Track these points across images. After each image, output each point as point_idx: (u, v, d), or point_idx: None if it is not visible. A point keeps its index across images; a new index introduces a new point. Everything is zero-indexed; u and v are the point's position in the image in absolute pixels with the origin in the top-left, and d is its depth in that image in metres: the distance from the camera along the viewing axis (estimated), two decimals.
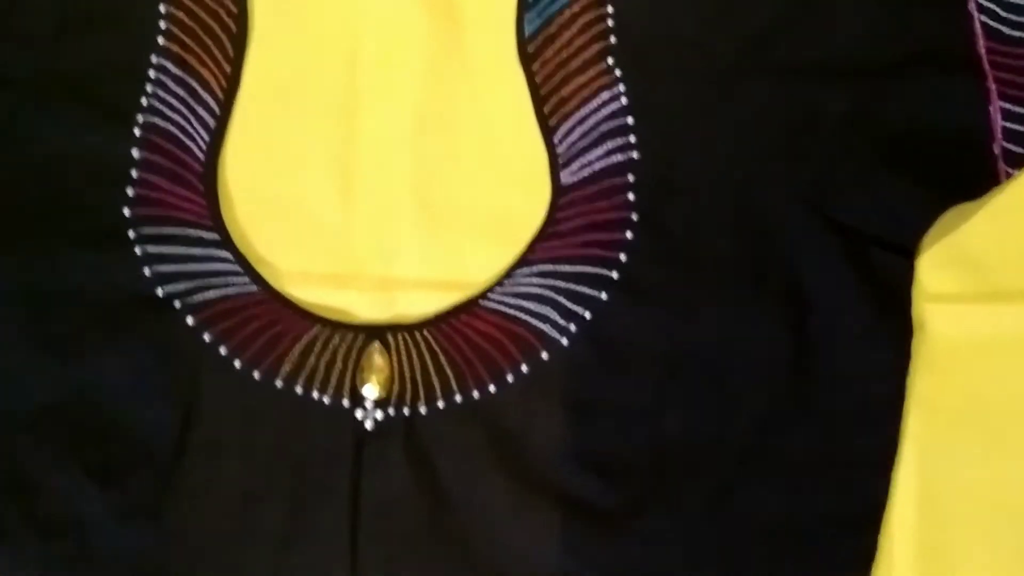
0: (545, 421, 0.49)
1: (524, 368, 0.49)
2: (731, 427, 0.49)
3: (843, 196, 0.51)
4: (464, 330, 0.50)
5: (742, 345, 0.50)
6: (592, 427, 0.49)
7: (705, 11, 0.53)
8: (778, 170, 0.51)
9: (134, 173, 0.51)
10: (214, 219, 0.51)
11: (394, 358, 0.50)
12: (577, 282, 0.50)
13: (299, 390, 0.49)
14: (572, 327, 0.50)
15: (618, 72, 0.53)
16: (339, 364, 0.50)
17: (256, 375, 0.49)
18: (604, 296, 0.50)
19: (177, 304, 0.50)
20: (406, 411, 0.49)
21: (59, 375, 0.49)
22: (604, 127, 0.52)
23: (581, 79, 0.53)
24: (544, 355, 0.50)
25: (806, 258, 0.50)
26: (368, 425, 0.49)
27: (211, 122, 0.53)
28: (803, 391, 0.49)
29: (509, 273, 0.51)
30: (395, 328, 0.51)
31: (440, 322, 0.51)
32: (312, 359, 0.50)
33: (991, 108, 0.51)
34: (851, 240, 0.50)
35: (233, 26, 0.54)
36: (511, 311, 0.50)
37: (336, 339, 0.50)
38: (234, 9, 0.54)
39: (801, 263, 0.50)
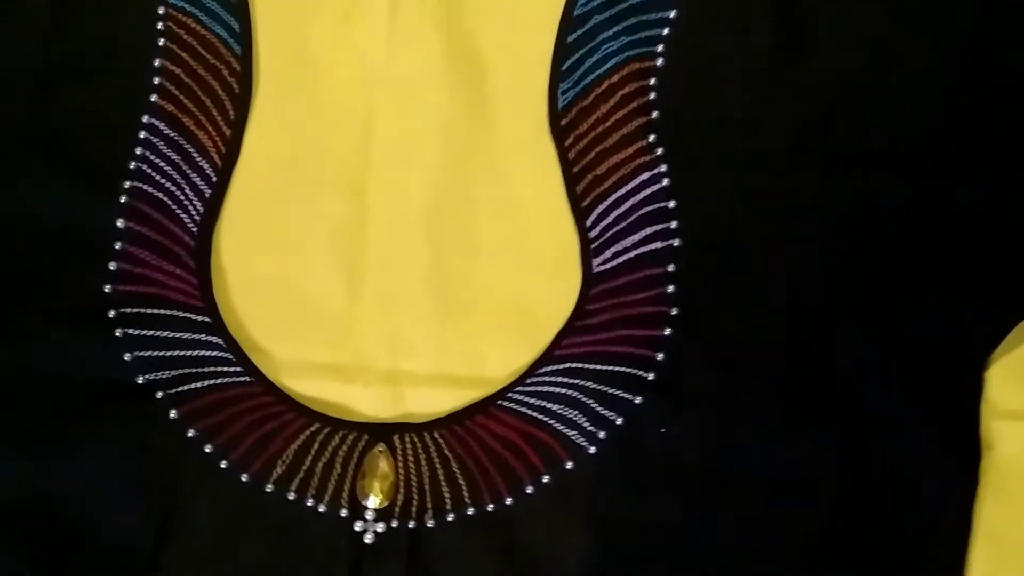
0: (567, 539, 0.49)
1: (546, 478, 0.49)
2: (774, 558, 0.48)
3: (904, 299, 0.50)
4: (479, 433, 0.50)
5: (789, 465, 0.49)
6: (619, 547, 0.49)
7: (756, 90, 0.53)
8: (832, 267, 0.51)
9: (117, 245, 0.51)
10: (204, 300, 0.51)
11: (400, 463, 0.49)
12: (608, 383, 0.50)
13: (292, 496, 0.48)
14: (601, 434, 0.49)
15: (660, 151, 0.53)
16: (338, 468, 0.49)
17: (244, 478, 0.49)
18: (638, 400, 0.50)
19: (159, 394, 0.49)
20: (411, 524, 0.48)
21: (20, 471, 0.48)
22: (643, 210, 0.52)
23: (619, 157, 0.53)
24: (569, 464, 0.49)
25: (862, 368, 0.50)
26: (368, 539, 0.48)
27: (206, 191, 0.53)
28: (857, 519, 0.49)
29: (532, 370, 0.51)
30: (402, 428, 0.50)
31: (453, 423, 0.50)
32: (308, 461, 0.49)
33: None
34: (912, 349, 0.50)
35: (235, 86, 0.55)
36: (533, 413, 0.50)
37: (336, 439, 0.50)
38: (237, 67, 0.55)
39: (856, 374, 0.50)
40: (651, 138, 0.53)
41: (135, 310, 0.50)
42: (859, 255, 0.51)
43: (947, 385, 0.50)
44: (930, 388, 0.50)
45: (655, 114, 0.53)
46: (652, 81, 0.54)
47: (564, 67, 0.55)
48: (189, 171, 0.53)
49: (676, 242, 0.52)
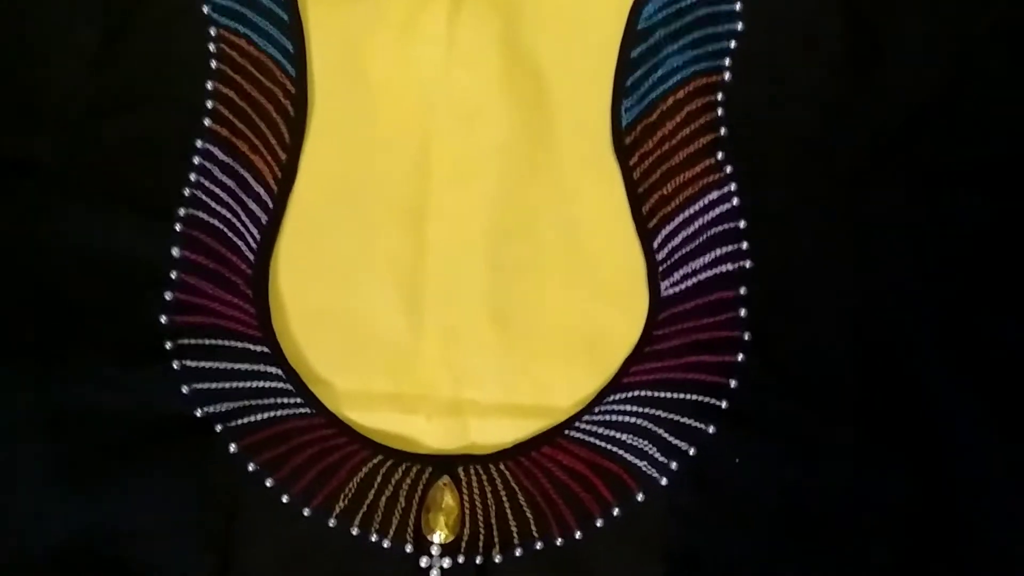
0: (638, 574, 0.48)
1: (616, 511, 0.49)
2: None
3: (987, 323, 0.50)
4: (546, 464, 0.50)
5: (868, 498, 0.49)
6: None
7: (831, 104, 0.53)
8: (912, 288, 0.50)
9: (173, 274, 0.51)
10: (263, 330, 0.51)
11: (465, 496, 0.49)
12: (679, 412, 0.50)
13: (355, 531, 0.48)
14: (673, 464, 0.49)
15: (729, 168, 0.52)
16: (402, 502, 0.49)
17: (306, 512, 0.48)
18: (711, 429, 0.49)
19: (218, 427, 0.49)
20: (478, 559, 0.48)
21: (78, 510, 0.48)
22: (712, 231, 0.52)
23: (686, 176, 0.53)
24: (640, 496, 0.49)
25: (944, 393, 0.49)
26: (434, 575, 0.48)
27: (263, 218, 0.53)
28: (940, 549, 0.48)
29: (599, 399, 0.51)
30: (467, 460, 0.50)
31: (519, 454, 0.50)
32: (371, 495, 0.49)
33: None
34: (996, 373, 0.49)
35: (291, 109, 0.55)
36: (601, 443, 0.50)
37: (399, 472, 0.49)
38: (292, 89, 0.55)
39: (938, 398, 0.49)
40: (719, 156, 0.53)
41: (192, 341, 0.50)
42: (939, 276, 0.51)
43: None
44: (1016, 417, 0.49)
45: (723, 131, 0.53)
46: (719, 96, 0.54)
47: (627, 83, 0.55)
48: (245, 197, 0.53)
49: (747, 264, 0.51)
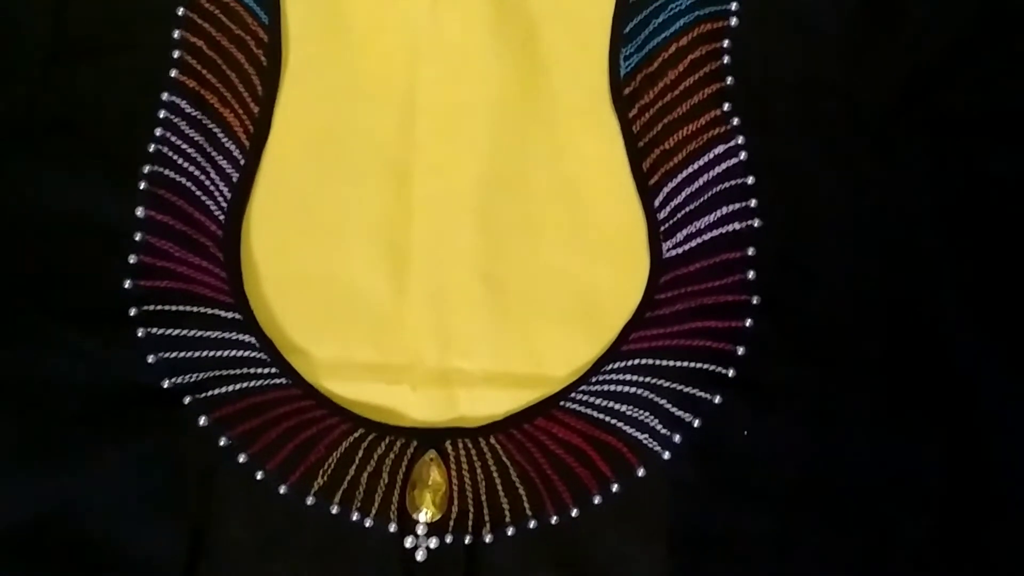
0: (640, 554, 0.48)
1: (615, 487, 0.48)
2: (880, 569, 0.47)
3: (1020, 280, 0.49)
4: (540, 437, 0.49)
5: (892, 468, 0.48)
6: (698, 564, 0.48)
7: (846, 49, 0.52)
8: (937, 245, 0.50)
9: (137, 236, 0.51)
10: (235, 295, 0.51)
11: (453, 471, 0.49)
12: (683, 381, 0.49)
13: (335, 510, 0.48)
14: (676, 437, 0.48)
15: (735, 120, 0.52)
16: (385, 478, 0.48)
17: (282, 490, 0.48)
18: (717, 399, 0.49)
19: (187, 399, 0.49)
20: (467, 538, 0.48)
21: (39, 486, 0.48)
22: (718, 187, 0.51)
23: (689, 128, 0.52)
24: (640, 471, 0.48)
25: (974, 358, 0.49)
26: (419, 556, 0.48)
27: (233, 175, 0.52)
28: (971, 523, 0.48)
29: (597, 368, 0.50)
30: (455, 434, 0.50)
31: (511, 427, 0.50)
32: (352, 471, 0.48)
33: None
34: None
35: (263, 58, 0.54)
36: (599, 415, 0.49)
37: (382, 446, 0.49)
38: (264, 37, 0.54)
39: (967, 364, 0.49)
40: (725, 107, 0.52)
41: (158, 307, 0.50)
42: (968, 231, 0.50)
43: None
44: None
45: (729, 80, 0.53)
46: (725, 43, 0.53)
47: (626, 30, 0.54)
48: (214, 153, 0.52)
49: (756, 222, 0.51)
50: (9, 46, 0.53)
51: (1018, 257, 0.50)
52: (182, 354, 0.50)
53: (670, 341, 0.50)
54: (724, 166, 0.51)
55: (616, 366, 0.50)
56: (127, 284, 0.50)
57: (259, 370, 0.50)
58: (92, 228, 0.51)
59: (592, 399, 0.50)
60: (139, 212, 0.51)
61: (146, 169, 0.51)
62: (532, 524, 0.48)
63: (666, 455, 0.48)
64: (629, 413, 0.49)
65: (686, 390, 0.49)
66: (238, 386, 0.49)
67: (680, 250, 0.51)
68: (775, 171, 0.51)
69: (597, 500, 0.48)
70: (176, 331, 0.50)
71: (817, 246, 0.50)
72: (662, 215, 0.52)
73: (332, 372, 0.51)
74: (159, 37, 0.53)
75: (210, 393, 0.49)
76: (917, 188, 0.51)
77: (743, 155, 0.51)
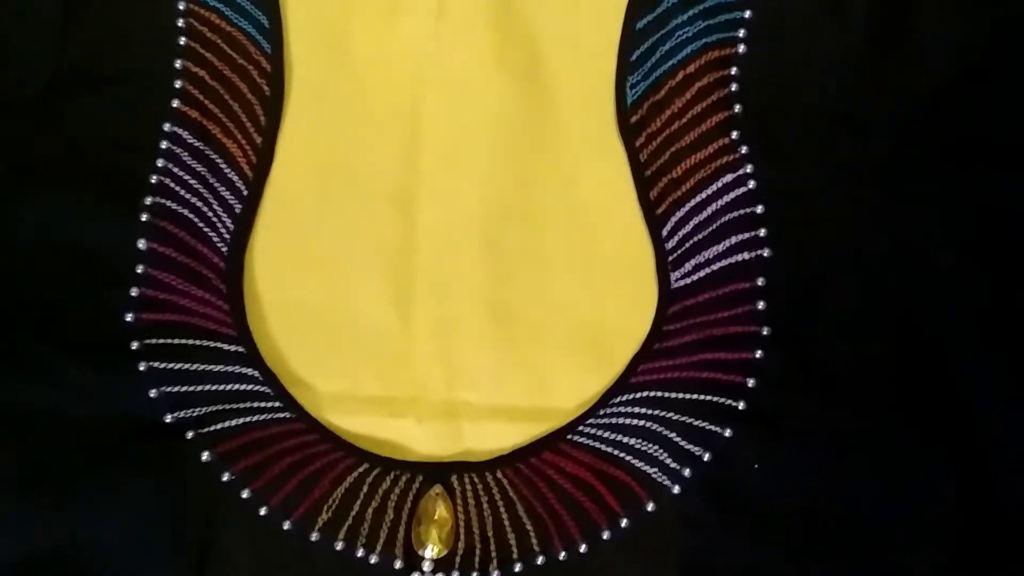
0: None
1: (624, 522, 0.48)
2: None
3: None
4: (548, 472, 0.49)
5: (906, 499, 0.48)
6: None
7: (855, 77, 0.52)
8: (948, 276, 0.50)
9: (139, 268, 0.51)
10: (238, 328, 0.51)
11: (459, 506, 0.49)
12: (692, 414, 0.49)
13: (339, 546, 0.48)
14: (686, 471, 0.48)
15: (744, 149, 0.52)
16: (390, 513, 0.48)
17: (286, 526, 0.48)
18: (727, 432, 0.49)
19: (189, 434, 0.49)
20: (474, 575, 0.48)
21: (40, 523, 0.48)
22: (726, 217, 0.51)
23: (697, 157, 0.52)
24: (650, 506, 0.48)
25: (986, 392, 0.49)
26: None
27: (236, 206, 0.52)
28: (984, 560, 0.47)
29: (604, 400, 0.50)
30: (461, 468, 0.50)
31: (518, 461, 0.50)
32: (357, 506, 0.48)
33: None
34: None
35: (266, 88, 0.54)
36: (608, 449, 0.49)
37: (387, 481, 0.49)
38: (267, 67, 0.54)
39: (979, 399, 0.49)
40: (734, 135, 0.52)
41: (160, 340, 0.50)
42: (980, 260, 0.50)
43: None
44: None
45: (737, 108, 0.53)
46: (733, 71, 0.53)
47: (633, 57, 0.54)
48: (217, 184, 0.52)
49: (766, 252, 0.51)
50: (10, 76, 0.52)
51: None
52: (184, 388, 0.49)
53: (679, 373, 0.50)
54: (733, 195, 0.51)
55: (624, 399, 0.50)
56: (129, 317, 0.50)
57: (262, 404, 0.50)
58: (93, 260, 0.51)
59: (600, 432, 0.49)
60: (141, 244, 0.51)
61: (148, 201, 0.51)
62: (540, 560, 0.48)
63: (676, 489, 0.48)
64: (638, 446, 0.49)
65: (696, 423, 0.49)
66: (241, 420, 0.49)
67: (688, 280, 0.51)
68: (784, 199, 0.51)
69: (606, 535, 0.48)
70: (178, 365, 0.50)
71: (827, 276, 0.50)
72: (670, 244, 0.52)
73: (336, 405, 0.51)
74: (161, 67, 0.53)
75: (213, 428, 0.49)
76: (928, 216, 0.50)
77: (752, 184, 0.51)
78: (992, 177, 0.51)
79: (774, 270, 0.50)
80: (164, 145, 0.52)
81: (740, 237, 0.51)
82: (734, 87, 0.53)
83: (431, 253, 0.53)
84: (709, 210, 0.52)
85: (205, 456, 0.48)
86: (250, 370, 0.50)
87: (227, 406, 0.50)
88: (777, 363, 0.49)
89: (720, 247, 0.51)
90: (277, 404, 0.50)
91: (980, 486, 0.48)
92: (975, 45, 0.52)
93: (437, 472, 0.49)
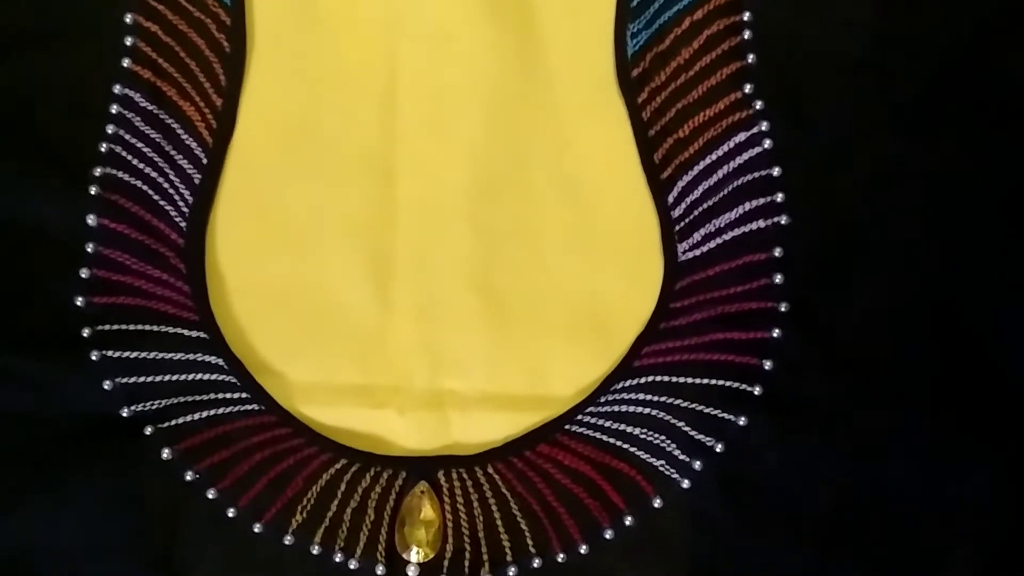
0: None
1: (628, 520, 0.47)
2: None
3: None
4: (544, 466, 0.48)
5: (940, 493, 0.47)
6: None
7: (883, 22, 0.51)
8: (988, 242, 0.49)
9: (89, 247, 0.50)
10: (200, 312, 0.50)
11: (447, 505, 0.48)
12: (703, 400, 0.48)
13: (315, 550, 0.47)
14: (696, 464, 0.48)
15: (758, 104, 0.51)
16: (371, 514, 0.47)
17: (257, 528, 0.47)
18: (742, 421, 0.48)
19: (148, 430, 0.48)
20: None
21: None
22: (739, 181, 0.50)
23: (706, 114, 0.51)
24: (656, 502, 0.47)
25: None
26: None
27: (195, 176, 0.51)
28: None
29: (605, 386, 0.49)
30: (448, 462, 0.49)
31: (510, 454, 0.49)
32: (334, 506, 0.47)
33: None
34: None
35: (226, 44, 0.53)
36: (609, 439, 0.48)
37: (367, 478, 0.48)
38: (227, 20, 0.54)
39: (1021, 377, 0.47)
40: (747, 88, 0.51)
41: (114, 327, 0.49)
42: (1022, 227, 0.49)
43: None
44: None
45: (751, 58, 0.52)
46: (746, 16, 0.52)
47: (634, 3, 0.53)
48: (173, 152, 0.51)
49: (783, 219, 0.50)
50: None
51: None
52: (142, 379, 0.49)
53: (688, 355, 0.49)
54: (746, 156, 0.51)
55: (627, 384, 0.49)
56: (79, 301, 0.49)
57: (228, 395, 0.49)
58: (38, 239, 0.50)
59: (601, 422, 0.49)
60: (90, 220, 0.50)
61: (97, 172, 0.51)
62: (536, 563, 0.47)
63: (685, 484, 0.47)
64: (643, 437, 0.48)
65: (707, 411, 0.48)
66: (205, 413, 0.49)
67: (697, 252, 0.50)
68: (804, 160, 0.50)
69: (608, 535, 0.47)
70: (135, 353, 0.49)
71: (852, 245, 0.49)
72: (677, 213, 0.51)
73: (310, 396, 0.50)
74: (109, 23, 0.52)
75: (174, 422, 0.48)
76: (964, 175, 0.49)
77: (767, 143, 0.50)
78: None
79: (793, 239, 0.50)
80: (114, 109, 0.51)
81: (755, 203, 0.50)
82: (747, 35, 0.52)
83: (412, 227, 0.53)
84: (720, 173, 0.51)
85: (166, 454, 0.48)
86: (214, 358, 0.49)
87: (189, 398, 0.49)
88: (797, 343, 0.48)
89: (732, 215, 0.50)
90: (244, 395, 0.49)
91: (1021, 478, 0.47)
92: None
93: (422, 467, 0.49)
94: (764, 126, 0.51)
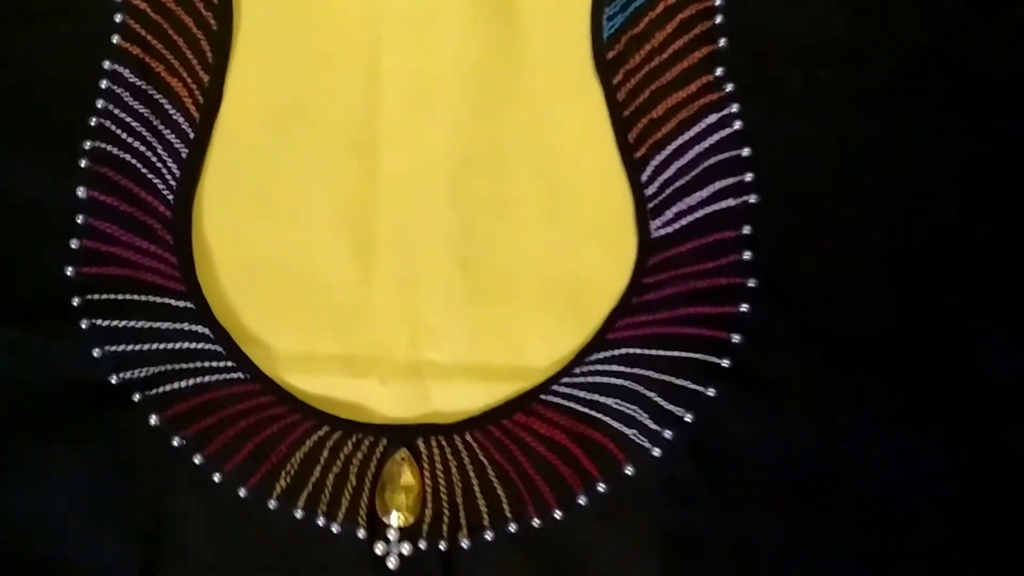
0: (629, 561, 0.48)
1: (601, 487, 0.49)
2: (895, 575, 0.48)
3: None
4: (520, 434, 0.49)
5: (906, 463, 0.48)
6: (694, 571, 0.48)
7: (850, 7, 0.52)
8: (952, 223, 0.50)
9: (79, 218, 0.51)
10: (186, 282, 0.51)
11: (426, 471, 0.49)
12: (674, 372, 0.49)
13: (299, 514, 0.48)
14: (667, 433, 0.49)
15: (729, 86, 0.52)
16: (352, 479, 0.49)
17: (242, 493, 0.48)
18: (711, 392, 0.49)
19: (136, 396, 0.49)
20: (442, 545, 0.48)
21: None
22: (710, 160, 0.51)
23: (679, 96, 0.52)
24: (629, 469, 0.49)
25: (992, 347, 0.50)
26: (391, 563, 0.48)
27: (183, 151, 0.52)
28: (991, 524, 0.48)
29: (580, 358, 0.50)
30: (428, 431, 0.50)
31: (488, 423, 0.50)
32: (317, 472, 0.49)
33: None
34: None
35: (213, 21, 0.54)
36: (584, 409, 0.49)
37: (349, 445, 0.49)
38: None
39: (985, 354, 0.49)
40: (719, 71, 0.52)
41: (104, 296, 0.50)
42: (986, 207, 0.50)
43: None
44: None
45: (723, 42, 0.53)
46: (718, 1, 0.53)
47: None
48: (161, 127, 0.52)
49: (752, 198, 0.51)
50: None
51: None
52: (130, 347, 0.50)
53: (660, 328, 0.50)
54: (717, 137, 0.51)
55: (601, 356, 0.50)
56: (69, 271, 0.50)
57: (214, 363, 0.50)
58: (29, 210, 0.51)
59: (576, 392, 0.50)
60: (80, 192, 0.51)
61: (87, 145, 0.51)
62: (512, 528, 0.48)
63: (656, 452, 0.49)
64: (616, 407, 0.49)
65: (677, 382, 0.49)
66: (192, 381, 0.50)
67: (670, 229, 0.51)
68: (773, 142, 0.51)
69: (582, 501, 0.48)
70: (123, 322, 0.50)
71: (820, 223, 0.50)
72: (650, 191, 0.52)
73: (293, 365, 0.51)
74: (99, 0, 0.53)
75: (162, 389, 0.49)
76: (930, 158, 0.50)
77: (738, 124, 0.51)
78: (999, 114, 0.51)
79: (761, 217, 0.51)
80: (104, 84, 0.52)
81: (725, 182, 0.51)
82: (719, 19, 0.53)
83: (393, 202, 0.53)
84: (692, 153, 0.52)
85: (154, 420, 0.49)
86: (200, 327, 0.50)
87: (176, 366, 0.50)
88: (765, 318, 0.50)
89: (704, 193, 0.51)
90: (230, 364, 0.50)
91: (986, 447, 0.48)
92: None
93: (402, 435, 0.50)
94: (734, 108, 0.52)
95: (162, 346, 0.50)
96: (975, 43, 0.52)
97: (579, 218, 0.53)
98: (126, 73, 0.52)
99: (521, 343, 0.52)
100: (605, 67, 0.53)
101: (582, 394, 0.50)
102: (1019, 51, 0.52)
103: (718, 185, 0.51)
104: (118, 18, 0.53)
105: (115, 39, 0.52)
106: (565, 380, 0.50)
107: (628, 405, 0.49)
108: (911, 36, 0.52)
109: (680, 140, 0.52)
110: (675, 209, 0.51)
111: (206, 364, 0.50)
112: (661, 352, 0.49)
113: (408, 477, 0.49)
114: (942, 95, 0.51)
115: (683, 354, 0.49)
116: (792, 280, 0.50)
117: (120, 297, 0.50)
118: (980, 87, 0.51)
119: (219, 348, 0.50)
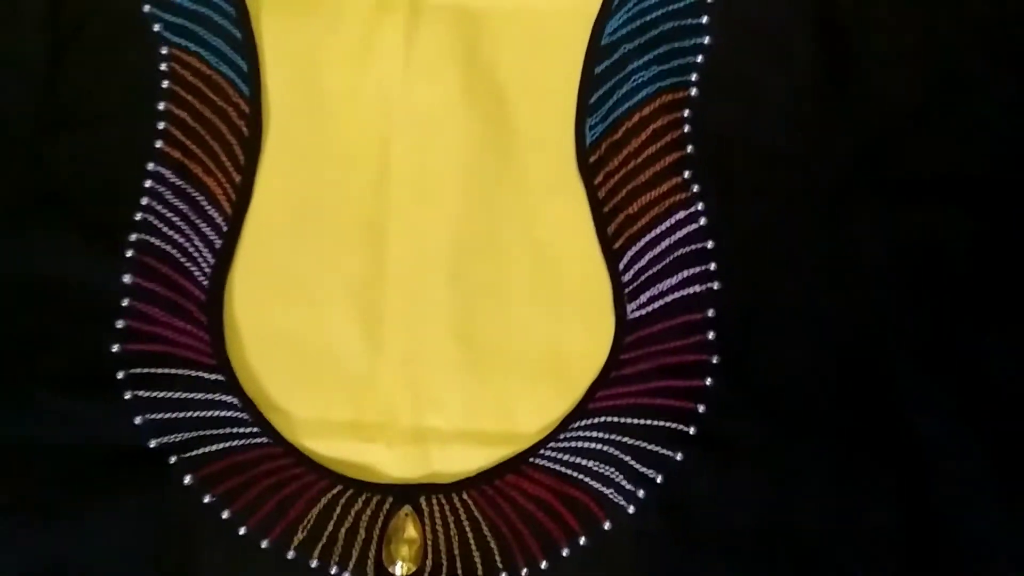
0: None
1: (582, 540, 0.51)
2: None
3: (972, 341, 0.53)
4: (511, 493, 0.52)
5: (851, 522, 0.51)
6: None
7: (801, 118, 0.55)
8: (890, 307, 0.53)
9: (124, 302, 0.54)
10: (218, 357, 0.54)
11: (427, 526, 0.52)
12: (647, 438, 0.52)
13: (314, 563, 0.51)
14: (640, 492, 0.51)
15: (696, 187, 0.55)
16: (362, 533, 0.51)
17: (264, 544, 0.51)
18: (679, 456, 0.52)
19: (172, 459, 0.52)
20: None
21: (27, 547, 0.51)
22: (679, 251, 0.54)
23: (652, 195, 0.55)
24: (607, 525, 0.51)
25: (927, 416, 0.52)
26: None
27: (216, 242, 0.56)
28: (928, 571, 0.51)
29: (564, 425, 0.53)
30: (429, 490, 0.53)
31: (482, 483, 0.53)
32: (330, 526, 0.51)
33: None
34: (980, 392, 0.52)
35: (245, 128, 0.58)
36: (567, 471, 0.52)
37: (359, 502, 0.52)
38: (246, 109, 0.58)
39: (921, 422, 0.52)
40: (686, 174, 0.56)
41: (145, 370, 0.53)
42: (920, 293, 0.53)
43: (1021, 437, 0.52)
44: (1003, 438, 0.52)
45: (690, 148, 0.56)
46: (686, 113, 0.56)
47: (592, 100, 0.58)
48: (198, 221, 0.55)
49: (715, 285, 0.54)
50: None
51: (969, 316, 0.53)
52: (168, 415, 0.52)
53: (634, 399, 0.53)
54: (685, 231, 0.55)
55: (583, 423, 0.53)
56: (115, 348, 0.53)
57: (241, 429, 0.53)
58: (81, 294, 0.54)
59: (560, 455, 0.52)
60: (126, 279, 0.54)
61: (132, 237, 0.55)
62: None
63: (631, 509, 0.51)
64: (596, 469, 0.52)
65: (649, 447, 0.52)
66: (221, 445, 0.52)
67: (644, 311, 0.54)
68: (733, 236, 0.54)
69: (566, 552, 0.51)
70: (162, 393, 0.53)
71: (774, 307, 0.53)
72: (626, 277, 0.55)
73: (311, 431, 0.54)
74: (145, 109, 0.57)
75: (195, 453, 0.52)
76: (871, 249, 0.54)
77: (703, 220, 0.55)
78: (932, 213, 0.54)
79: (723, 302, 0.54)
80: (148, 184, 0.55)
81: (692, 271, 0.54)
82: (687, 129, 0.56)
83: (399, 285, 0.56)
84: (663, 245, 0.55)
85: (187, 479, 0.51)
86: (230, 397, 0.53)
87: (208, 432, 0.52)
88: (726, 390, 0.52)
89: (673, 280, 0.54)
90: (255, 429, 0.53)
91: (924, 508, 0.51)
92: (918, 87, 0.56)
93: (406, 493, 0.52)
94: (700, 206, 0.55)
95: (195, 414, 0.53)
96: (909, 150, 0.55)
97: (564, 300, 0.56)
98: (167, 174, 0.56)
99: (512, 411, 0.54)
100: (587, 169, 0.57)
101: (566, 457, 0.52)
102: (949, 156, 0.55)
103: (686, 273, 0.54)
104: (161, 125, 0.56)
105: (158, 144, 0.56)
106: (551, 445, 0.53)
107: (606, 467, 0.52)
108: (850, 144, 0.55)
109: (653, 233, 0.55)
110: (648, 294, 0.54)
111: (234, 430, 0.53)
112: (636, 420, 0.52)
113: (411, 531, 0.51)
114: (884, 195, 0.54)
115: (654, 422, 0.52)
116: (750, 357, 0.53)
117: (159, 371, 0.53)
118: (914, 188, 0.54)
119: (246, 416, 0.53)
